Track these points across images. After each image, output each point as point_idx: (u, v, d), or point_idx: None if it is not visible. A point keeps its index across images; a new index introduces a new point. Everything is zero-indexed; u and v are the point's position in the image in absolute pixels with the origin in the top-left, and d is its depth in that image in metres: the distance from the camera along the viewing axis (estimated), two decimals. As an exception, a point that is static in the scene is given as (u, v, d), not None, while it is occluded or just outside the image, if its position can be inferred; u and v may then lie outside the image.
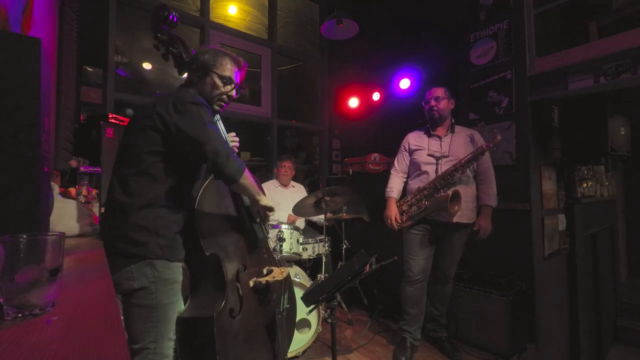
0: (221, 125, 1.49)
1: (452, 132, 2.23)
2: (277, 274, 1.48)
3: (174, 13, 1.44)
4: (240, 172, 1.21)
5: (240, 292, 1.39)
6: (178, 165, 1.20)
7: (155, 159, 1.15)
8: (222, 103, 1.38)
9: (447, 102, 2.23)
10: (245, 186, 1.28)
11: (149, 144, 1.15)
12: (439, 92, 2.23)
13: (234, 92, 1.39)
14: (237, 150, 1.57)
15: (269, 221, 1.55)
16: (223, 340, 1.27)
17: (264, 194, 1.63)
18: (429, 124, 2.30)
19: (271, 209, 1.43)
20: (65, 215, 1.30)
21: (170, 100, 1.15)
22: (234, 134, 1.58)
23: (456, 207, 2.01)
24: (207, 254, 1.28)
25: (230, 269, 1.36)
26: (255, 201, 1.39)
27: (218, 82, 1.33)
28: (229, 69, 1.35)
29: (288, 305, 1.64)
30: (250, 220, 1.52)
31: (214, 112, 1.38)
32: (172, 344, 1.22)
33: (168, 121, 1.13)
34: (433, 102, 2.22)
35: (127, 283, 1.11)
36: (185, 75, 1.40)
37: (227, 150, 1.17)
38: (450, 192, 1.97)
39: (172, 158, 1.18)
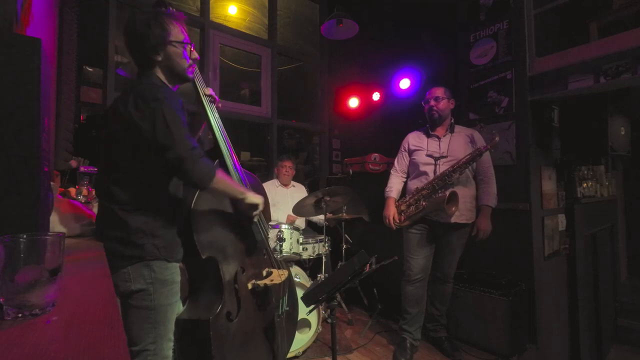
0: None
1: (452, 132, 2.23)
2: (276, 277, 1.46)
3: (171, 9, 1.44)
4: (209, 177, 1.14)
5: (238, 295, 1.37)
6: (163, 164, 1.11)
7: (138, 163, 1.11)
8: (191, 68, 1.27)
9: (447, 102, 2.23)
10: (221, 190, 1.22)
11: (127, 148, 1.10)
12: (439, 92, 2.23)
13: (195, 54, 1.29)
14: (217, 99, 1.45)
15: (268, 222, 1.53)
16: (219, 344, 1.26)
17: (264, 192, 1.61)
18: (428, 124, 2.30)
19: (256, 207, 1.32)
20: (65, 215, 1.30)
21: (131, 98, 1.07)
22: (210, 89, 1.45)
23: (453, 208, 2.02)
24: (203, 257, 1.26)
25: (228, 271, 1.34)
26: (239, 200, 1.29)
27: (180, 49, 1.22)
28: (178, 30, 1.22)
29: (288, 308, 1.62)
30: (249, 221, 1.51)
31: (187, 80, 1.29)
32: (171, 344, 1.21)
33: (134, 121, 1.06)
34: (433, 102, 2.23)
35: (125, 285, 1.10)
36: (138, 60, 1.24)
37: (193, 156, 1.08)
38: (447, 193, 1.98)
39: (154, 158, 1.10)
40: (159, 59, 1.19)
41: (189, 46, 1.25)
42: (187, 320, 1.29)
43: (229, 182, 1.25)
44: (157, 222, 1.15)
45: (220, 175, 1.18)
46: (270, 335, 1.52)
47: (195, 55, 1.29)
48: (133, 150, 1.11)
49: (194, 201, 1.26)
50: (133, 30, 1.18)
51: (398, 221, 2.21)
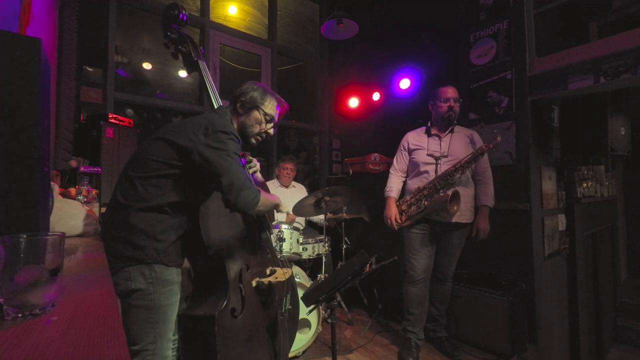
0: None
1: (452, 132, 2.23)
2: (280, 274, 1.48)
3: (184, 12, 1.45)
4: (254, 204, 1.21)
5: (243, 292, 1.38)
6: (189, 182, 1.21)
7: (168, 171, 1.17)
8: (259, 138, 1.44)
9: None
10: (263, 211, 1.33)
11: (165, 155, 1.17)
12: (457, 93, 2.20)
13: (272, 130, 1.46)
14: (259, 169, 1.60)
15: (273, 221, 1.56)
16: (224, 340, 1.27)
17: (268, 191, 1.64)
18: (432, 124, 2.28)
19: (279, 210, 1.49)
20: (65, 215, 1.30)
21: (203, 126, 1.20)
22: (255, 160, 1.60)
23: (455, 208, 2.01)
24: (211, 252, 1.28)
25: (233, 268, 1.36)
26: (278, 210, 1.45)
27: (262, 118, 1.40)
28: (273, 107, 1.43)
29: (290, 307, 1.63)
30: (255, 220, 1.52)
31: (249, 146, 1.44)
32: (171, 344, 1.22)
33: (195, 142, 1.16)
34: (453, 103, 2.18)
35: (125, 284, 1.11)
36: (216, 102, 1.47)
37: (241, 185, 1.16)
38: (450, 193, 1.97)
39: (186, 175, 1.20)
40: (242, 112, 1.39)
41: (270, 124, 1.44)
42: (191, 316, 1.30)
43: (266, 199, 1.30)
44: (161, 225, 1.16)
45: (262, 195, 1.25)
46: (273, 333, 1.53)
47: (271, 131, 1.45)
48: (170, 163, 1.17)
49: (204, 199, 1.29)
50: (247, 86, 1.41)
51: (399, 221, 2.21)
